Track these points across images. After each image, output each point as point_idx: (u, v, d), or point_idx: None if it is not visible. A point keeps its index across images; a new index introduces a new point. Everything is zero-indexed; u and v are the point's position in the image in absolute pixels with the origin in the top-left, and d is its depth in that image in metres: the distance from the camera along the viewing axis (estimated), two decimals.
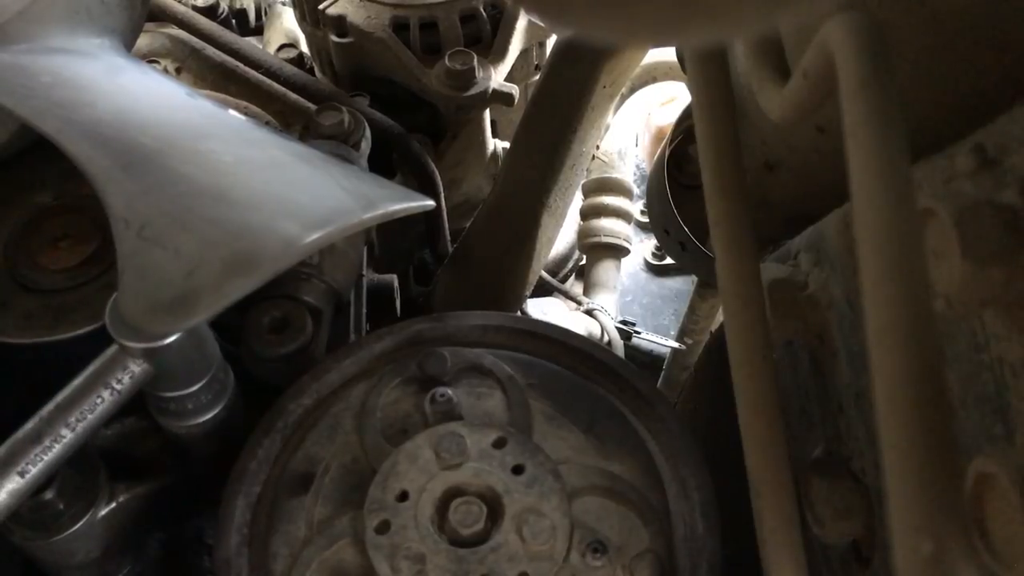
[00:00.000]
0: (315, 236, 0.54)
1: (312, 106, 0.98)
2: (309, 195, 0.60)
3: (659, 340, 1.32)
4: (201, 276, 0.51)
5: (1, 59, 0.64)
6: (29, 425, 0.55)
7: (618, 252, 1.36)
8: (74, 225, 0.67)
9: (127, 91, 0.67)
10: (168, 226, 0.54)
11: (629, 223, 1.37)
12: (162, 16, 1.06)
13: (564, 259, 1.40)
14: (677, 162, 0.81)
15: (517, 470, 0.55)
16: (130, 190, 0.56)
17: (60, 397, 0.55)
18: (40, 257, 0.66)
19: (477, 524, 0.53)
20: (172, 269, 0.52)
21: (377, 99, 1.03)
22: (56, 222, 0.68)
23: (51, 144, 0.64)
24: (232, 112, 0.70)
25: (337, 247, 0.72)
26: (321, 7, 1.02)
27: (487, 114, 1.11)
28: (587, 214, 1.37)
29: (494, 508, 0.54)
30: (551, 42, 1.05)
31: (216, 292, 0.51)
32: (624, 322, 1.29)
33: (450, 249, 1.08)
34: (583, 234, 1.37)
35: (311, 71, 1.12)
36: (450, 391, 0.59)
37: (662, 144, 0.82)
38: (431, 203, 0.65)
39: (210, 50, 1.05)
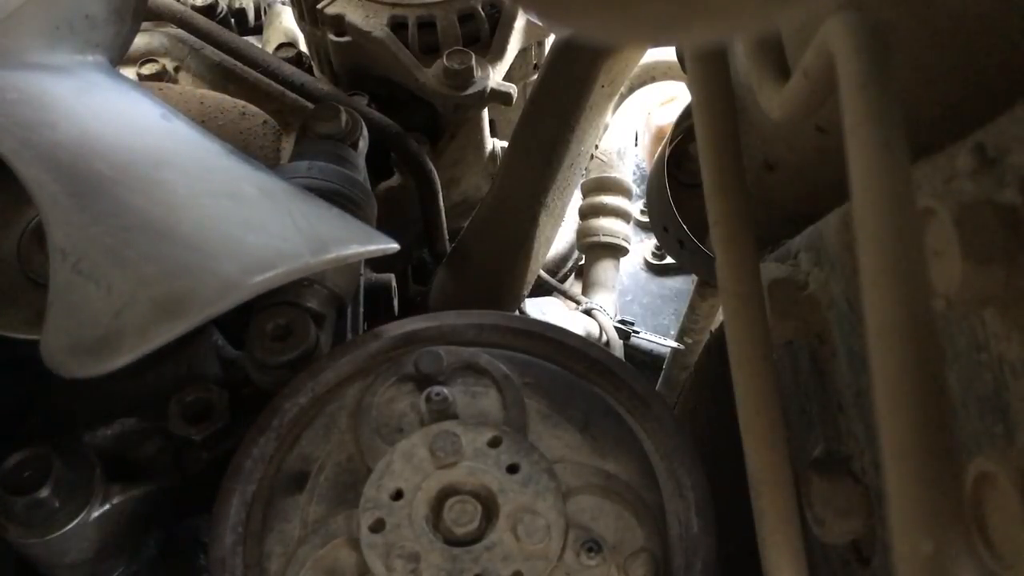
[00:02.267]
0: (256, 280, 0.53)
1: (310, 105, 0.98)
2: (259, 234, 0.58)
3: (658, 340, 1.32)
4: (128, 316, 0.50)
5: None
6: None
7: (617, 252, 1.36)
8: None
9: (94, 113, 0.65)
10: (104, 261, 0.52)
11: (628, 222, 1.37)
12: (161, 15, 1.06)
13: (563, 259, 1.40)
14: (677, 161, 0.81)
15: (512, 469, 0.55)
16: (73, 220, 0.54)
17: None
18: None
19: (472, 523, 0.53)
20: (101, 307, 0.50)
21: (375, 98, 1.03)
22: None
23: None
24: (208, 137, 0.68)
25: None
26: (319, 6, 1.02)
27: (485, 113, 1.11)
28: (586, 213, 1.36)
29: (489, 507, 0.54)
30: (549, 41, 1.05)
31: (141, 335, 0.49)
32: (623, 321, 1.29)
33: (448, 248, 1.07)
34: (582, 233, 1.36)
35: (310, 70, 1.12)
36: (446, 390, 0.59)
37: (662, 143, 0.82)
38: (394, 246, 0.64)
39: (209, 49, 1.05)
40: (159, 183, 0.59)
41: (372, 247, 0.62)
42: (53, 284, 0.52)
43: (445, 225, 1.07)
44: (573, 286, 1.38)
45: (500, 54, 1.03)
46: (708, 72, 0.52)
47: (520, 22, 1.04)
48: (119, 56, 0.75)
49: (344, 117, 0.81)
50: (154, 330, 0.49)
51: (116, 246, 0.53)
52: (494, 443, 0.56)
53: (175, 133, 0.67)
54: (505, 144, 1.10)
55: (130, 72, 1.01)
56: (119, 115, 0.66)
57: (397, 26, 1.01)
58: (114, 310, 0.50)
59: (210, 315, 0.51)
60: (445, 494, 0.54)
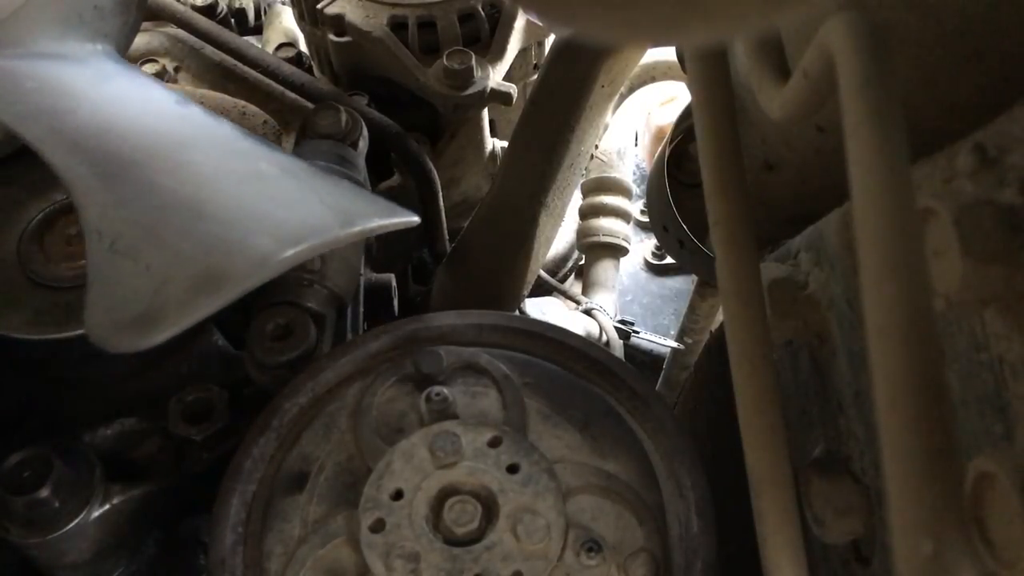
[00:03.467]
0: (289, 253, 0.53)
1: (311, 105, 0.98)
2: (288, 210, 0.59)
3: (658, 340, 1.32)
4: (169, 292, 0.51)
5: None
6: None
7: (617, 251, 1.36)
8: None
9: (113, 99, 0.66)
10: (140, 239, 0.53)
11: (628, 222, 1.37)
12: (161, 15, 1.06)
13: (563, 259, 1.40)
14: (677, 160, 0.81)
15: (512, 469, 0.55)
16: (106, 201, 0.55)
17: None
18: (53, 255, 0.66)
19: (472, 523, 0.53)
20: (140, 284, 0.51)
21: (375, 98, 1.03)
22: (70, 220, 0.68)
23: None
24: (223, 121, 0.70)
25: (338, 252, 0.72)
26: (319, 6, 1.02)
27: (485, 113, 1.11)
28: (586, 213, 1.36)
29: (489, 507, 0.54)
30: (549, 41, 1.05)
31: (182, 309, 0.50)
32: (623, 321, 1.29)
33: (448, 248, 1.07)
34: (582, 233, 1.36)
35: (310, 70, 1.12)
36: (445, 390, 0.59)
37: (662, 143, 0.82)
38: (415, 219, 0.64)
39: (209, 49, 1.05)
40: (184, 164, 0.60)
41: (395, 219, 0.63)
42: (91, 264, 0.53)
43: (445, 225, 1.07)
44: (573, 286, 1.38)
45: (500, 54, 1.03)
46: (708, 72, 0.52)
47: (520, 22, 1.04)
48: (126, 46, 0.76)
49: (344, 117, 0.81)
50: (194, 304, 0.50)
51: (151, 225, 0.54)
52: (494, 443, 0.56)
53: (191, 117, 0.68)
54: (505, 144, 1.10)
55: None
56: (136, 101, 0.67)
57: (397, 26, 1.01)
58: (154, 286, 0.51)
59: (247, 288, 0.52)
60: (445, 494, 0.54)
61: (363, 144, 0.83)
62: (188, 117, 0.68)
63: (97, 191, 0.55)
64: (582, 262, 1.42)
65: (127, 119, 0.64)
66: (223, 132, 0.69)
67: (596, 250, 1.37)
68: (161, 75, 1.03)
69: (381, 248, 0.95)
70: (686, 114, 0.81)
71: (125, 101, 0.66)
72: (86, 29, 0.70)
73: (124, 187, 0.56)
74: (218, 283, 0.51)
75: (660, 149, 0.82)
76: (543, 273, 1.23)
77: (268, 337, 0.66)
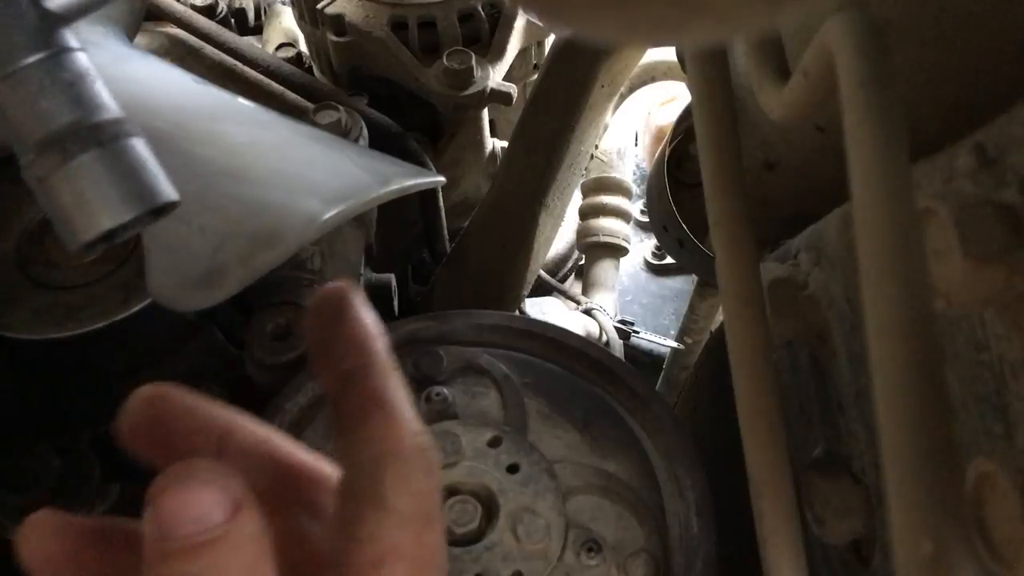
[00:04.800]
0: (335, 211, 0.55)
1: (311, 105, 0.98)
2: (326, 172, 0.61)
3: (658, 340, 1.31)
4: (228, 251, 0.53)
5: None
6: None
7: (617, 252, 1.36)
8: None
9: (136, 78, 0.67)
10: (191, 205, 0.54)
11: (628, 222, 1.37)
12: (161, 15, 1.05)
13: (563, 259, 1.40)
14: (677, 160, 0.81)
15: (512, 469, 0.55)
16: None
17: None
18: (52, 254, 0.66)
19: (472, 523, 0.53)
20: (198, 245, 0.53)
21: (375, 98, 1.03)
22: None
23: None
24: (238, 97, 0.71)
25: (338, 252, 0.72)
26: (319, 6, 1.02)
27: (485, 113, 1.11)
28: (586, 213, 1.36)
29: (489, 507, 0.54)
30: (549, 41, 1.05)
31: (244, 265, 0.52)
32: (623, 321, 1.29)
33: (448, 248, 1.07)
34: (582, 234, 1.36)
35: (310, 70, 1.12)
36: (445, 390, 0.59)
37: (662, 143, 0.82)
38: (441, 178, 0.67)
39: (209, 49, 1.05)
40: (219, 134, 0.62)
41: (426, 179, 0.67)
42: (145, 232, 0.55)
43: (445, 225, 1.07)
44: (573, 286, 1.38)
45: (500, 54, 1.03)
46: (708, 72, 0.52)
47: (520, 22, 1.04)
48: (133, 32, 0.78)
49: (344, 116, 0.81)
50: (254, 261, 0.53)
51: (198, 191, 0.56)
52: (494, 443, 0.56)
53: (213, 93, 0.70)
54: (505, 144, 1.10)
55: None
56: (159, 79, 0.69)
57: (397, 26, 1.00)
58: (212, 247, 0.53)
59: (301, 245, 0.55)
60: (445, 494, 0.54)
61: (363, 144, 0.83)
62: (209, 93, 0.70)
63: None
64: (582, 262, 1.42)
65: (154, 96, 0.65)
66: (245, 106, 0.71)
67: (596, 250, 1.36)
68: None
69: (381, 248, 0.95)
70: (686, 114, 0.81)
71: (149, 79, 0.68)
72: (97, 14, 0.71)
73: (167, 158, 0.58)
74: (273, 240, 0.53)
75: (660, 149, 0.82)
76: (543, 273, 1.23)
77: (268, 337, 0.66)
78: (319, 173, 0.61)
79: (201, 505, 0.27)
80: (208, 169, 0.58)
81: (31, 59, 0.39)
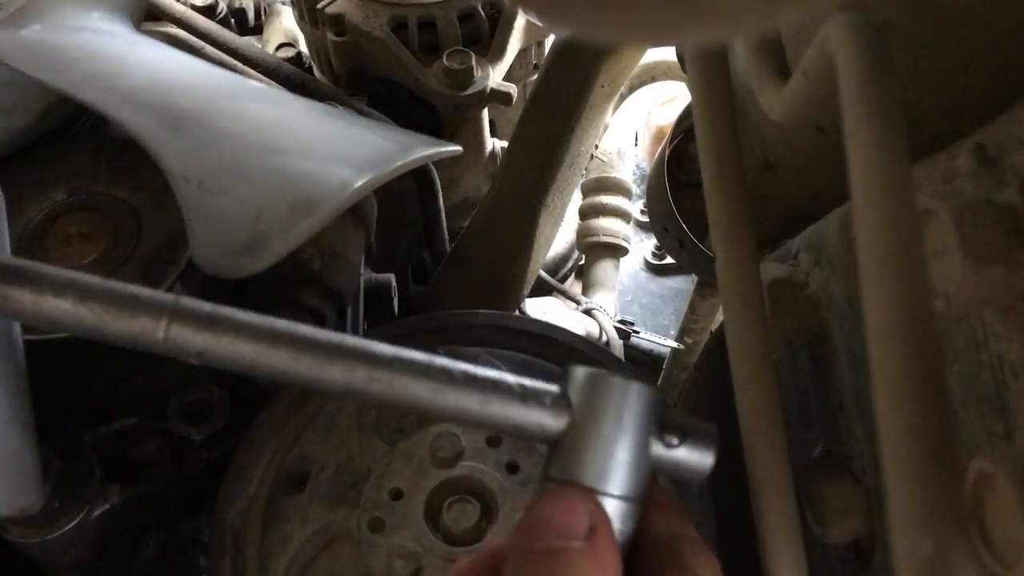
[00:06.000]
0: (367, 178, 0.57)
1: None
2: (350, 143, 0.63)
3: (658, 340, 1.31)
4: (269, 220, 0.54)
5: (28, 37, 0.66)
6: None
7: (617, 251, 1.36)
8: (87, 222, 0.68)
9: (153, 62, 0.69)
10: (227, 177, 0.56)
11: (628, 222, 1.37)
12: (161, 15, 1.05)
13: (563, 259, 1.40)
14: (678, 160, 0.81)
15: (511, 468, 0.55)
16: (183, 148, 0.58)
17: None
18: (52, 254, 0.66)
19: (471, 522, 0.53)
20: (239, 215, 0.54)
21: (375, 98, 1.03)
22: (69, 219, 0.68)
23: (65, 141, 0.64)
24: (253, 81, 0.72)
25: (338, 251, 0.72)
26: (319, 6, 1.02)
27: (485, 113, 1.11)
28: (586, 213, 1.36)
29: (488, 507, 0.54)
30: (549, 41, 1.05)
31: (285, 233, 0.54)
32: (623, 321, 1.29)
33: (448, 248, 1.07)
34: (582, 233, 1.36)
35: (310, 70, 1.12)
36: None
37: (662, 143, 0.82)
38: (459, 148, 0.69)
39: (209, 49, 1.05)
40: (243, 110, 0.64)
41: (444, 149, 0.68)
42: (185, 206, 0.56)
43: (445, 225, 1.07)
44: (573, 286, 1.38)
45: (500, 54, 1.03)
46: (708, 72, 0.52)
47: (520, 22, 1.04)
48: (139, 22, 0.79)
49: None
50: (295, 227, 0.54)
51: (232, 164, 0.57)
52: (493, 443, 0.56)
53: (226, 75, 0.72)
54: (505, 144, 1.10)
55: None
56: (174, 63, 0.71)
57: (397, 26, 1.01)
58: (252, 216, 0.54)
59: (338, 211, 0.56)
60: (445, 494, 0.54)
61: None
62: (224, 76, 0.72)
63: (172, 141, 0.58)
64: (582, 262, 1.42)
65: (174, 77, 0.67)
66: (259, 86, 0.73)
67: (596, 250, 1.37)
68: None
69: (381, 248, 0.95)
70: (686, 114, 0.81)
71: (164, 63, 0.70)
72: (106, 3, 0.74)
73: (197, 135, 0.59)
74: (312, 207, 0.54)
75: (660, 149, 0.82)
76: (543, 273, 1.23)
77: None
78: (345, 144, 0.63)
79: (566, 520, 0.33)
80: (239, 142, 0.59)
81: None
